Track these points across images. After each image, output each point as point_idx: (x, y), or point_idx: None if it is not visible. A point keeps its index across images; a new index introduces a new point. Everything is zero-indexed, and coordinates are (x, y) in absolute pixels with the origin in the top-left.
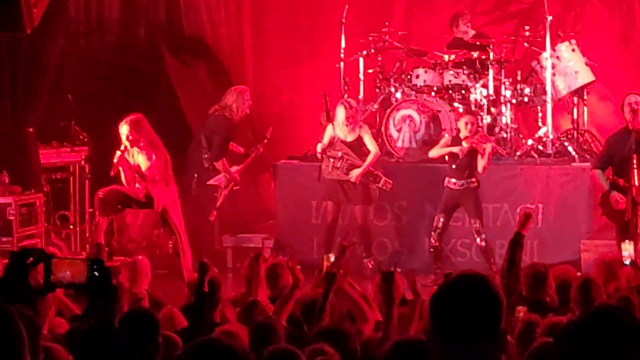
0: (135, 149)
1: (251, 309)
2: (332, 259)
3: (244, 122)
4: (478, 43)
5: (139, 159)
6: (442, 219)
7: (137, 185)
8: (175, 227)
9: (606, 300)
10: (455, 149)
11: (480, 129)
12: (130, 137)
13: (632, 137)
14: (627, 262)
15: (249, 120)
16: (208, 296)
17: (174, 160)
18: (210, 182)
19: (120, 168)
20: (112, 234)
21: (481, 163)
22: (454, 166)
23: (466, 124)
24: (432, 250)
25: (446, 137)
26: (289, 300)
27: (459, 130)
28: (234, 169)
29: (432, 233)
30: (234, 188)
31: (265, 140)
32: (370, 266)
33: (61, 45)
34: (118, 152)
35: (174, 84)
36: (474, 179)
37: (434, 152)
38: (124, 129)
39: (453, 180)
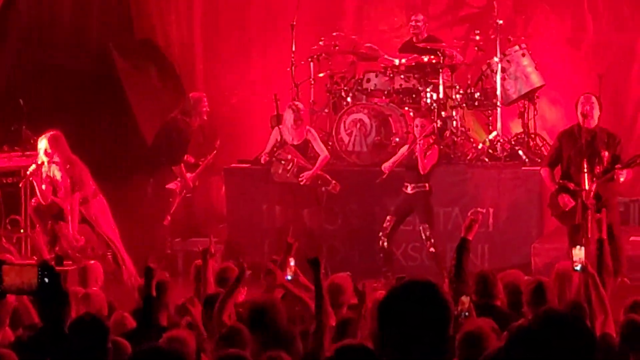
0: (53, 164)
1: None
2: (292, 262)
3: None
4: (429, 47)
5: (55, 173)
6: (391, 221)
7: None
8: (108, 239)
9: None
10: (399, 153)
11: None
12: (49, 151)
13: (582, 137)
14: (578, 267)
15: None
16: (156, 300)
17: (124, 162)
18: (169, 185)
19: (33, 181)
20: (55, 239)
21: (419, 164)
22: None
23: (416, 126)
24: (381, 253)
25: (402, 149)
26: (230, 296)
27: (410, 133)
28: (188, 175)
29: (380, 235)
30: (187, 195)
31: (215, 152)
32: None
33: (12, 47)
34: (33, 166)
35: (124, 87)
36: (425, 183)
37: (386, 166)
38: (42, 144)
39: (406, 184)
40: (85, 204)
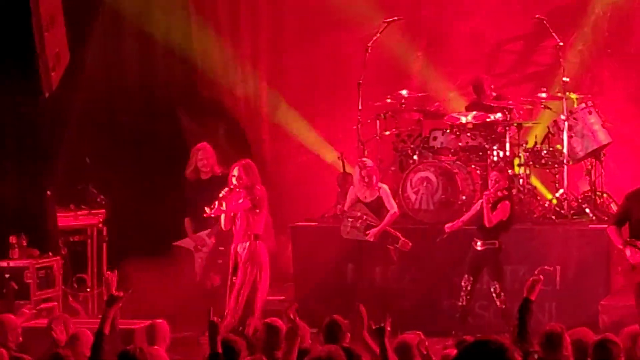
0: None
1: None
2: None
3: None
4: (495, 105)
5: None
6: (469, 280)
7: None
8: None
9: None
10: (472, 209)
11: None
12: (240, 179)
13: None
14: None
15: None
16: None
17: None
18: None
19: (222, 204)
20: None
21: (485, 216)
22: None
23: (492, 180)
24: (458, 312)
25: (476, 206)
26: (291, 350)
27: (477, 191)
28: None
29: (462, 293)
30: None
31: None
32: (388, 328)
33: (79, 108)
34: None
35: (190, 147)
36: (495, 241)
37: (449, 228)
38: (235, 171)
39: (476, 240)
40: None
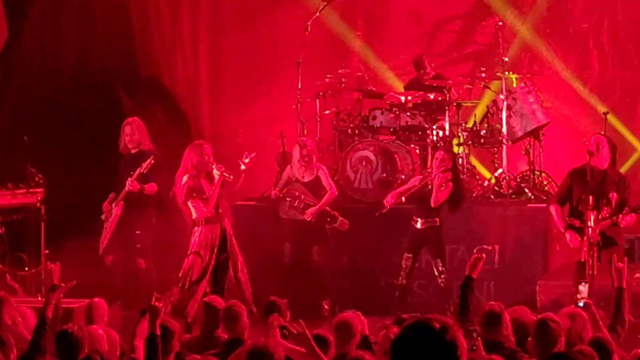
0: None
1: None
2: None
3: None
4: (435, 85)
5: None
6: (409, 258)
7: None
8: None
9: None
10: (410, 183)
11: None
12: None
13: (592, 176)
14: (581, 304)
15: None
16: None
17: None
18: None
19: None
20: None
21: (432, 196)
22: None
23: (436, 159)
24: (397, 290)
25: (413, 180)
26: None
27: (416, 170)
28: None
29: (401, 272)
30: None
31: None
32: (327, 307)
33: (18, 86)
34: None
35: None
36: (436, 218)
37: (388, 202)
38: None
39: (416, 218)
40: None
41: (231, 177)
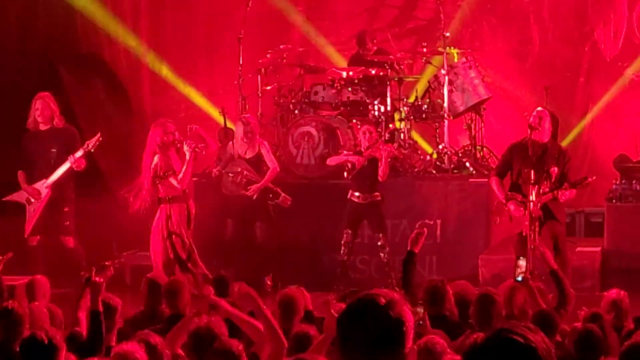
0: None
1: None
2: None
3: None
4: (377, 60)
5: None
6: (349, 234)
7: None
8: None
9: (505, 316)
10: (352, 158)
11: (381, 138)
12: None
13: (533, 150)
14: (519, 278)
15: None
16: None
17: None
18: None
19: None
20: None
21: (380, 170)
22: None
23: (364, 133)
24: (339, 267)
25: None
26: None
27: (358, 145)
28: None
29: (342, 248)
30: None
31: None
32: (269, 283)
33: None
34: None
35: (71, 101)
36: (377, 193)
37: (332, 159)
38: None
39: (357, 193)
40: None
41: (204, 151)
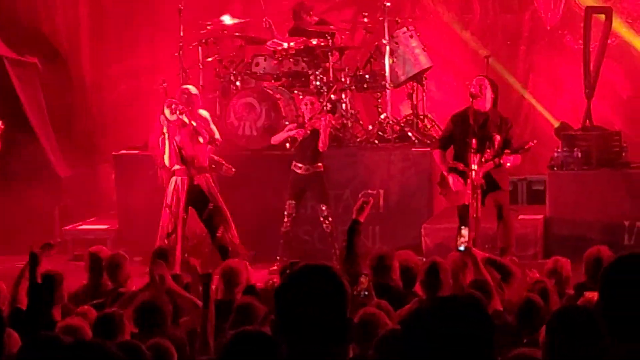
0: None
1: None
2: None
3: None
4: (318, 30)
5: None
6: (293, 204)
7: None
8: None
9: (453, 285)
10: (294, 132)
11: (323, 109)
12: None
13: (474, 119)
14: (462, 248)
15: (87, 111)
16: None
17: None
18: None
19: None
20: None
21: (320, 140)
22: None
23: (306, 104)
24: (282, 238)
25: (289, 125)
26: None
27: (301, 116)
28: None
29: (285, 219)
30: None
31: None
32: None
33: None
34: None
35: (10, 75)
36: (319, 164)
37: (275, 138)
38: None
39: (299, 164)
40: None
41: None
